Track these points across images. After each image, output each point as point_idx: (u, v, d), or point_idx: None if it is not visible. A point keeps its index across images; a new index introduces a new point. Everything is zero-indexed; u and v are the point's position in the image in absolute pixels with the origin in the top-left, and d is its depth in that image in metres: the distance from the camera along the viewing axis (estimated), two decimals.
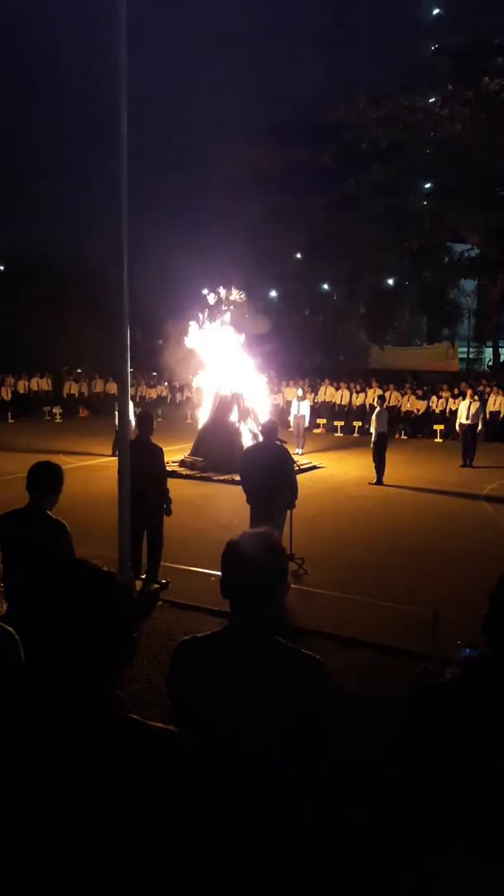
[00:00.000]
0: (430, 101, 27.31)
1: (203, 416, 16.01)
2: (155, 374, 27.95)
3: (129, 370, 7.28)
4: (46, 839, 1.21)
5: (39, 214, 26.84)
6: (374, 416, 14.03)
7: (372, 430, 13.92)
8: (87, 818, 1.22)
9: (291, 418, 18.68)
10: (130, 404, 8.09)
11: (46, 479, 4.05)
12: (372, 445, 13.79)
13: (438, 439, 21.16)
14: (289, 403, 24.25)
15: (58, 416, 26.27)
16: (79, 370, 29.93)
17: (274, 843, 1.94)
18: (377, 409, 14.16)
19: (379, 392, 20.17)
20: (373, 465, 13.69)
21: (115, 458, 7.36)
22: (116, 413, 14.96)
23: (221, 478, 13.60)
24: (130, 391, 7.94)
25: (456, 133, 25.61)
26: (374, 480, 13.56)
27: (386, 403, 15.50)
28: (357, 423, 22.79)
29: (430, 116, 26.61)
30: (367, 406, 22.07)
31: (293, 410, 18.60)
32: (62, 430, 23.23)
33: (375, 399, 15.65)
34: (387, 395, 22.52)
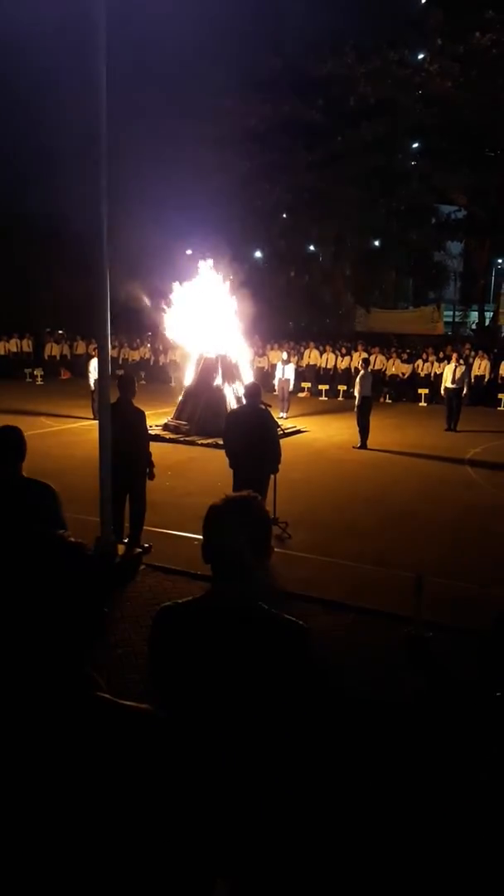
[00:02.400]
0: (420, 56, 26.66)
1: (187, 378, 15.85)
2: (138, 339, 27.58)
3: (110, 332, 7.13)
4: (19, 825, 1.16)
5: (16, 171, 26.04)
6: (358, 380, 13.98)
7: (356, 393, 13.89)
8: (58, 800, 1.17)
9: (276, 381, 18.58)
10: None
11: (10, 445, 3.82)
12: (356, 409, 13.75)
13: (423, 403, 21.18)
14: (273, 367, 24.14)
15: (39, 378, 25.97)
16: (60, 331, 29.49)
17: (262, 812, 1.92)
18: (361, 372, 14.10)
19: (364, 355, 20.13)
20: (357, 428, 13.67)
21: (97, 422, 7.25)
22: (93, 374, 14.89)
23: (205, 441, 13.53)
24: (112, 353, 7.83)
25: (445, 90, 25.04)
26: (359, 444, 13.56)
27: (371, 367, 15.44)
28: (342, 387, 22.73)
29: (420, 72, 26.01)
30: (353, 369, 21.98)
31: (277, 374, 18.48)
32: (43, 392, 22.97)
33: (360, 362, 15.56)
34: (372, 358, 22.47)
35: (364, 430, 13.59)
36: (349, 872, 3.18)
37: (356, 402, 13.82)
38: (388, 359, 22.98)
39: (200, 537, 2.02)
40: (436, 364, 21.55)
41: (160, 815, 1.23)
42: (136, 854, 1.20)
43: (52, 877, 1.16)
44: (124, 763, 1.21)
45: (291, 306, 30.42)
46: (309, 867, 3.03)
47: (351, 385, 18.99)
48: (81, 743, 1.21)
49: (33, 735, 1.20)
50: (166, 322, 16.15)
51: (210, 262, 16.42)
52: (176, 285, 16.04)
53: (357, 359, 22.84)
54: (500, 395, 21.06)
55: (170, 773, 1.27)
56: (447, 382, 16.36)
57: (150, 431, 8.19)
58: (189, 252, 16.35)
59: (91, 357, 17.21)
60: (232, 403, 14.24)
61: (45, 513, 3.72)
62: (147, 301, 17.29)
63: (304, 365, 24.10)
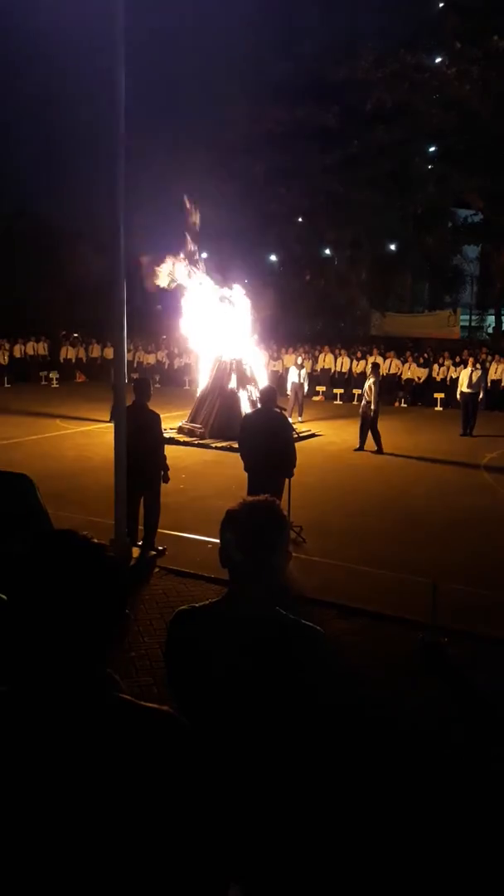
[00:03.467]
0: (437, 60, 26.59)
1: (202, 382, 15.87)
2: (153, 344, 27.67)
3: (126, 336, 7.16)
4: (38, 827, 1.15)
5: (36, 175, 26.31)
6: (370, 386, 13.70)
7: (370, 399, 13.63)
8: (80, 803, 1.16)
9: (289, 385, 18.46)
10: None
11: None
12: (365, 415, 13.62)
13: (439, 408, 21.06)
14: (288, 370, 24.10)
15: (54, 381, 26.13)
16: (76, 335, 29.68)
17: (276, 818, 1.91)
18: (372, 379, 13.89)
19: (373, 360, 20.05)
20: (370, 434, 13.59)
21: (113, 424, 7.27)
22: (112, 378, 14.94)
23: (220, 445, 13.53)
24: (127, 357, 7.85)
25: (463, 94, 24.95)
26: (375, 449, 13.49)
27: (387, 371, 15.32)
28: (357, 391, 22.64)
29: (437, 76, 25.93)
30: (368, 374, 21.91)
31: (290, 378, 18.39)
32: (59, 394, 23.10)
33: (370, 368, 15.30)
34: (387, 362, 22.38)
35: (372, 435, 13.48)
36: (360, 878, 3.15)
37: (363, 408, 13.61)
38: (403, 363, 22.88)
39: (215, 540, 2.00)
40: (452, 368, 21.43)
41: (178, 818, 1.22)
42: (153, 856, 1.19)
43: (67, 878, 1.15)
44: (144, 765, 1.20)
45: (306, 310, 30.41)
46: (320, 872, 3.00)
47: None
48: (102, 744, 1.20)
49: (55, 736, 1.19)
50: (181, 326, 16.18)
51: (225, 265, 16.47)
52: (190, 288, 16.07)
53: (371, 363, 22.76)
54: None
55: (189, 776, 1.25)
56: (463, 387, 16.25)
57: (164, 435, 8.20)
58: (205, 255, 16.36)
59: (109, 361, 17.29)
60: (246, 407, 14.23)
61: (22, 501, 3.65)
62: (162, 305, 17.36)
63: (319, 369, 24.05)
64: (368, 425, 13.54)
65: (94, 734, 1.20)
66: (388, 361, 22.69)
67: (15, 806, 1.17)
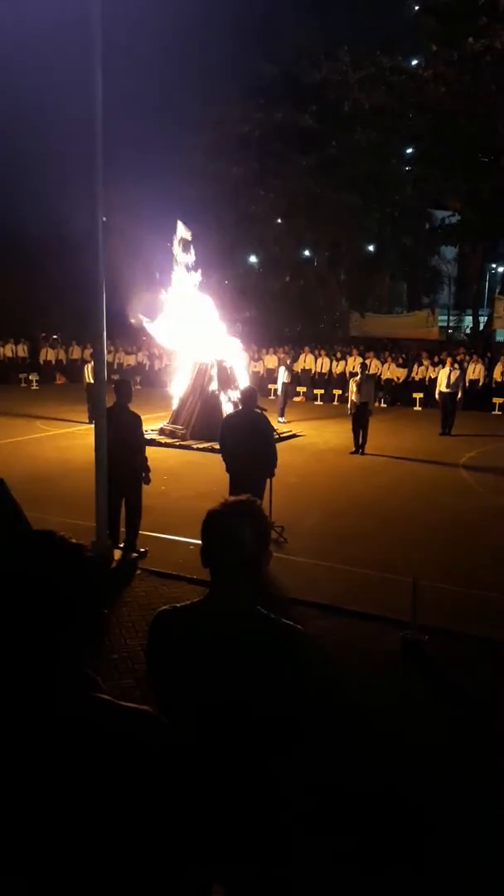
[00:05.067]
0: (414, 62, 26.77)
1: (182, 383, 15.85)
2: (134, 344, 27.58)
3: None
4: (16, 827, 1.16)
5: (12, 177, 26.07)
6: (358, 385, 13.71)
7: (354, 399, 13.66)
8: (58, 804, 1.17)
9: (279, 385, 18.35)
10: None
11: None
12: (353, 415, 13.67)
13: (418, 407, 21.22)
14: (269, 371, 24.11)
15: (34, 383, 25.94)
16: (55, 336, 29.50)
17: (259, 816, 1.92)
18: (359, 376, 13.88)
19: (360, 360, 20.18)
20: (352, 435, 13.65)
21: (93, 426, 7.25)
22: (88, 378, 14.86)
23: (201, 446, 13.53)
24: (108, 358, 7.84)
25: (439, 96, 25.15)
26: (354, 449, 13.56)
27: (367, 371, 15.40)
28: (337, 392, 22.75)
29: (413, 78, 26.10)
30: (348, 374, 22.01)
31: (281, 378, 18.29)
32: (39, 396, 22.95)
33: (358, 367, 15.39)
34: (367, 362, 22.50)
35: (364, 436, 13.53)
36: (346, 880, 3.18)
37: (351, 408, 13.69)
38: (382, 363, 23.02)
39: (196, 541, 2.02)
40: (430, 368, 21.60)
41: (159, 819, 1.23)
42: (134, 858, 1.20)
43: (49, 880, 1.16)
44: (124, 765, 1.21)
45: (286, 311, 30.47)
46: (306, 874, 3.02)
47: (346, 389, 18.92)
48: (81, 744, 1.20)
49: (33, 735, 1.20)
50: (159, 328, 16.15)
51: (203, 268, 16.46)
52: (168, 291, 16.06)
53: (352, 363, 22.88)
54: (494, 400, 21.11)
55: (170, 777, 1.26)
56: (442, 387, 16.39)
57: (145, 436, 8.19)
58: (186, 256, 16.33)
59: (87, 362, 17.22)
60: (227, 408, 14.24)
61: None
62: (141, 306, 17.31)
63: (300, 370, 24.13)
64: (359, 425, 13.55)
65: (73, 733, 1.20)
66: (367, 361, 22.80)
67: None
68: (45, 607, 1.23)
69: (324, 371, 23.97)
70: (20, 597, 1.23)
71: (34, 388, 25.58)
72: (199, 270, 16.42)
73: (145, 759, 1.23)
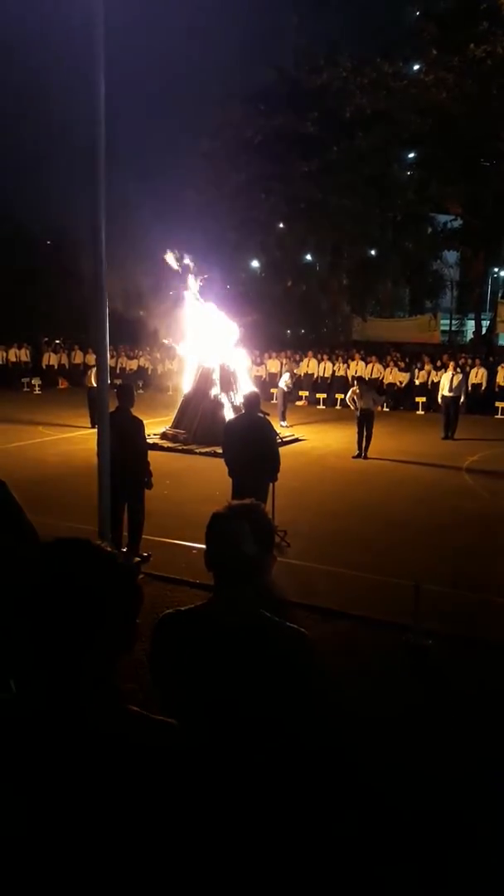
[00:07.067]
0: (415, 67, 26.85)
1: (185, 387, 15.87)
2: (138, 350, 27.63)
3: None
4: (45, 835, 1.15)
5: (14, 180, 26.16)
6: (357, 394, 13.74)
7: (358, 406, 13.69)
8: (88, 811, 1.16)
9: (284, 389, 18.33)
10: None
11: None
12: (358, 420, 13.67)
13: (420, 412, 21.21)
14: (272, 375, 24.12)
15: (37, 388, 25.97)
16: (58, 341, 29.53)
17: (266, 820, 1.92)
18: (357, 388, 13.91)
19: (357, 368, 20.19)
20: (356, 438, 13.65)
21: (95, 430, 7.25)
22: (92, 383, 14.91)
23: (203, 450, 13.53)
24: (110, 362, 7.85)
25: (440, 101, 25.22)
26: (357, 453, 13.56)
27: (368, 376, 15.44)
28: (339, 396, 22.76)
29: (415, 83, 26.17)
30: (350, 378, 22.02)
31: (282, 383, 18.26)
32: (41, 401, 22.97)
33: (355, 379, 15.37)
34: (369, 367, 22.53)
35: (368, 440, 13.53)
36: (349, 885, 3.17)
37: (356, 411, 13.68)
38: (385, 367, 23.03)
39: (200, 546, 2.02)
40: (433, 372, 21.60)
41: (177, 828, 1.22)
42: (147, 867, 1.18)
43: (63, 884, 1.15)
44: (151, 776, 1.20)
45: (288, 315, 30.51)
46: (309, 879, 3.01)
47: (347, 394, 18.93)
48: (111, 754, 1.19)
49: (63, 746, 1.18)
50: (163, 332, 16.19)
51: (206, 272, 16.48)
52: (171, 296, 16.09)
53: (354, 368, 22.89)
54: (496, 404, 21.11)
55: (191, 788, 1.25)
56: (444, 391, 16.39)
57: (148, 440, 8.20)
58: (186, 262, 16.35)
59: (90, 366, 17.24)
60: (230, 412, 14.25)
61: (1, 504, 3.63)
62: (144, 311, 17.36)
63: (302, 374, 24.14)
64: (362, 428, 13.55)
65: (103, 744, 1.19)
66: (369, 366, 22.83)
67: (14, 815, 1.16)
68: (79, 616, 1.21)
69: (326, 375, 23.98)
70: (54, 605, 1.21)
71: (37, 392, 25.61)
72: (199, 278, 16.45)
73: (174, 770, 1.22)
